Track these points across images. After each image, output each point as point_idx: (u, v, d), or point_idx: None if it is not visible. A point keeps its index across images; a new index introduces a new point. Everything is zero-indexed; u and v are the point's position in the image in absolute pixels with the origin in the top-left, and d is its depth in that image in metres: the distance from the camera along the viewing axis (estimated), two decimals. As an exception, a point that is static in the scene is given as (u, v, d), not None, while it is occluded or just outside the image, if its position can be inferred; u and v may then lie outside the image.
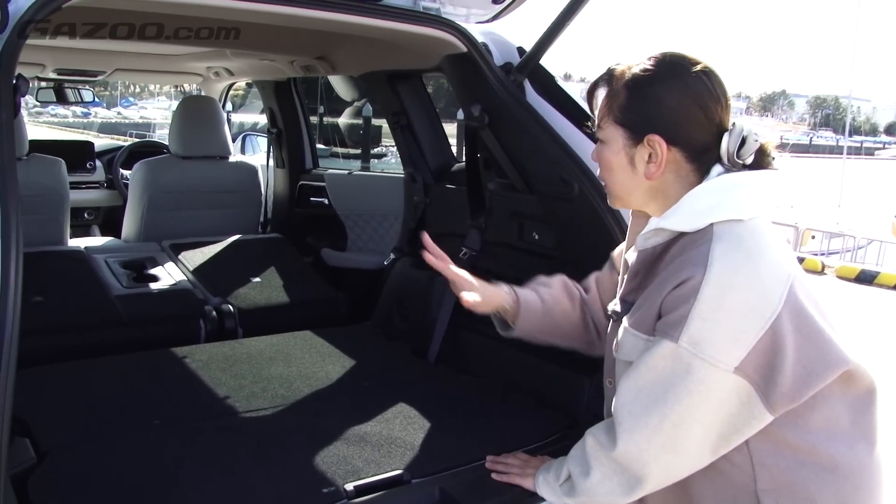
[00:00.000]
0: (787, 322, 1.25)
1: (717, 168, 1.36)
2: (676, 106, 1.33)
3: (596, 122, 1.44)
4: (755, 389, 1.26)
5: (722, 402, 1.27)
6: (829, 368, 1.28)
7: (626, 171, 1.40)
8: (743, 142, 1.33)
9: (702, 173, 1.37)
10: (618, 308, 1.49)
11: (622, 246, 1.70)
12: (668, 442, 1.31)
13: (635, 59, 1.39)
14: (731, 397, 1.26)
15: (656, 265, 1.40)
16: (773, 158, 1.39)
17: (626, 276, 1.50)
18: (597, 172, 1.51)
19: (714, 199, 1.32)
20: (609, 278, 1.71)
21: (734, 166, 1.35)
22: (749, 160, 1.36)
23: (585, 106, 2.26)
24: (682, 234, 1.35)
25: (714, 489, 1.38)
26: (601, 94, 1.42)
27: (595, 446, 1.42)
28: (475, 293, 1.70)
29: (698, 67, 1.34)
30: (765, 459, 1.32)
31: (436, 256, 1.73)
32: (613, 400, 1.39)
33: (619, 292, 1.52)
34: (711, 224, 1.31)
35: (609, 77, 1.40)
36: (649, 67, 1.36)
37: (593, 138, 2.17)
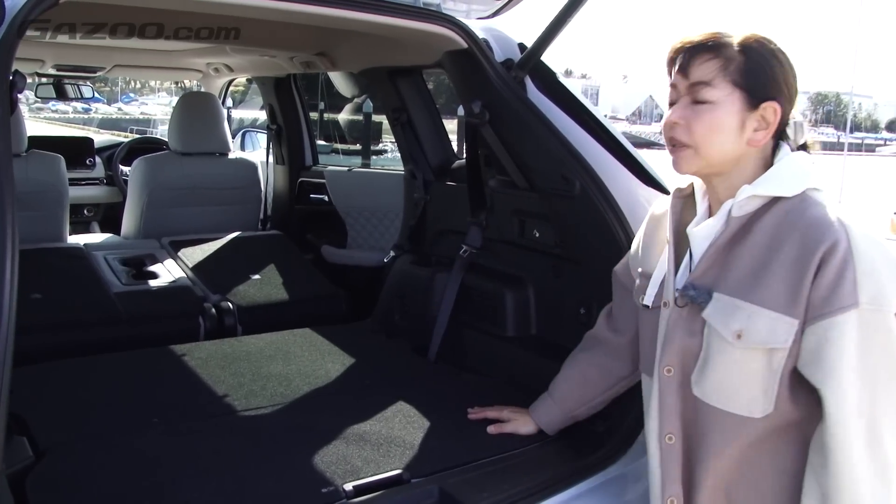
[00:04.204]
0: None
1: (785, 146, 1.41)
2: (787, 81, 1.38)
3: (692, 82, 1.38)
4: None
5: None
6: None
7: (733, 135, 1.37)
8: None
9: (772, 149, 1.42)
10: (692, 292, 1.40)
11: (625, 260, 1.72)
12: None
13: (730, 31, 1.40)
14: None
15: (742, 236, 1.37)
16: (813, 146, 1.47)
17: (691, 257, 1.45)
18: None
19: (807, 166, 1.37)
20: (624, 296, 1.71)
21: (797, 147, 1.43)
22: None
23: (588, 102, 2.29)
24: (773, 202, 1.36)
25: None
26: (703, 56, 1.37)
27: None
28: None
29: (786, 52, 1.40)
30: None
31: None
32: (846, 439, 1.27)
33: (685, 276, 1.44)
34: (804, 190, 1.35)
35: (714, 40, 1.38)
36: (760, 39, 1.38)
37: (597, 133, 2.19)
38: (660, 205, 1.66)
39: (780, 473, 1.37)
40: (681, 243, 1.48)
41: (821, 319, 1.27)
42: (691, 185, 1.52)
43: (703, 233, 1.43)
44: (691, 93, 1.38)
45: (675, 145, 1.41)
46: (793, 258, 1.30)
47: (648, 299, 1.52)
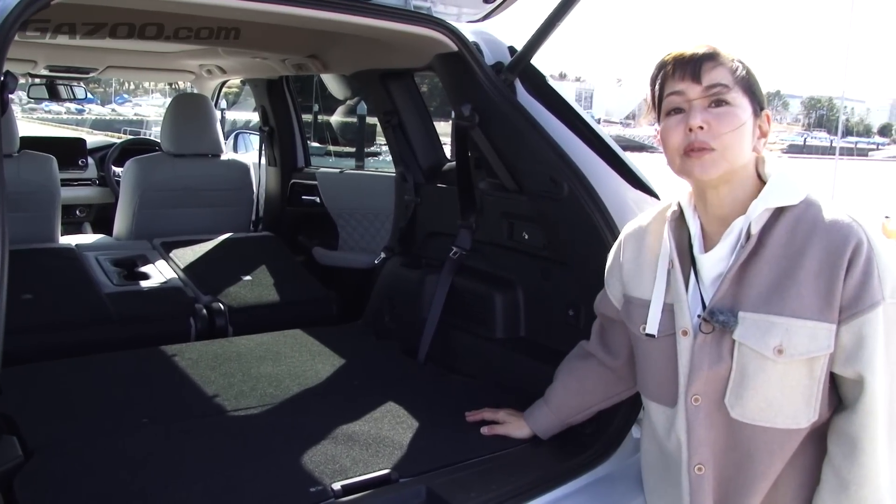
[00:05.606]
0: None
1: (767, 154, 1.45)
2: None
3: (708, 85, 1.36)
4: None
5: None
6: None
7: (749, 140, 1.39)
8: None
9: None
10: (722, 317, 1.37)
11: (603, 293, 1.71)
12: None
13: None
14: None
15: (756, 251, 1.36)
16: None
17: (697, 281, 1.44)
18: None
19: (799, 172, 1.40)
20: (611, 304, 1.69)
21: None
22: None
23: (577, 105, 2.31)
24: (779, 212, 1.37)
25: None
26: (710, 63, 1.37)
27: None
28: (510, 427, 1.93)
29: None
30: None
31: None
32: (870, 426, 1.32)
33: (696, 300, 1.43)
34: (806, 196, 1.38)
35: (715, 51, 1.39)
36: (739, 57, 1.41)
37: (585, 136, 2.20)
38: (634, 226, 1.63)
39: (815, 469, 1.40)
40: (682, 267, 1.46)
41: (856, 317, 1.30)
42: (679, 206, 1.51)
43: (717, 255, 1.41)
44: (708, 96, 1.36)
45: (696, 149, 1.36)
46: (820, 263, 1.31)
47: (652, 328, 1.48)
